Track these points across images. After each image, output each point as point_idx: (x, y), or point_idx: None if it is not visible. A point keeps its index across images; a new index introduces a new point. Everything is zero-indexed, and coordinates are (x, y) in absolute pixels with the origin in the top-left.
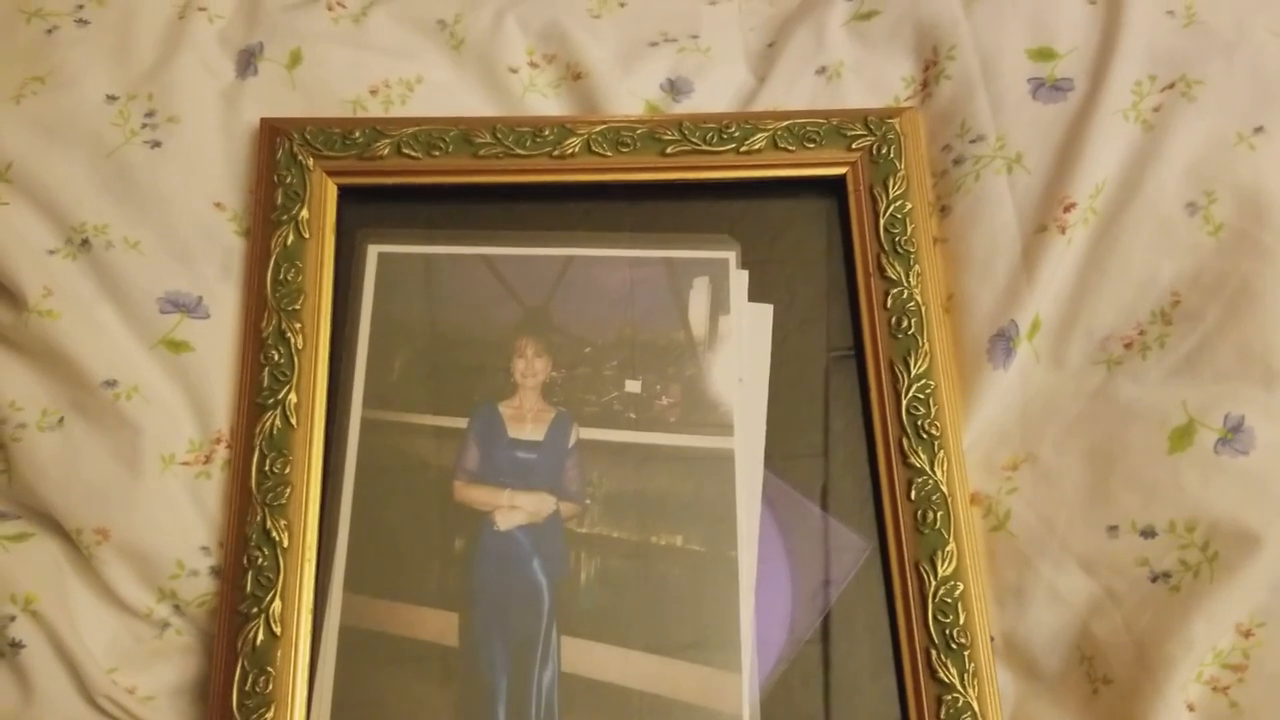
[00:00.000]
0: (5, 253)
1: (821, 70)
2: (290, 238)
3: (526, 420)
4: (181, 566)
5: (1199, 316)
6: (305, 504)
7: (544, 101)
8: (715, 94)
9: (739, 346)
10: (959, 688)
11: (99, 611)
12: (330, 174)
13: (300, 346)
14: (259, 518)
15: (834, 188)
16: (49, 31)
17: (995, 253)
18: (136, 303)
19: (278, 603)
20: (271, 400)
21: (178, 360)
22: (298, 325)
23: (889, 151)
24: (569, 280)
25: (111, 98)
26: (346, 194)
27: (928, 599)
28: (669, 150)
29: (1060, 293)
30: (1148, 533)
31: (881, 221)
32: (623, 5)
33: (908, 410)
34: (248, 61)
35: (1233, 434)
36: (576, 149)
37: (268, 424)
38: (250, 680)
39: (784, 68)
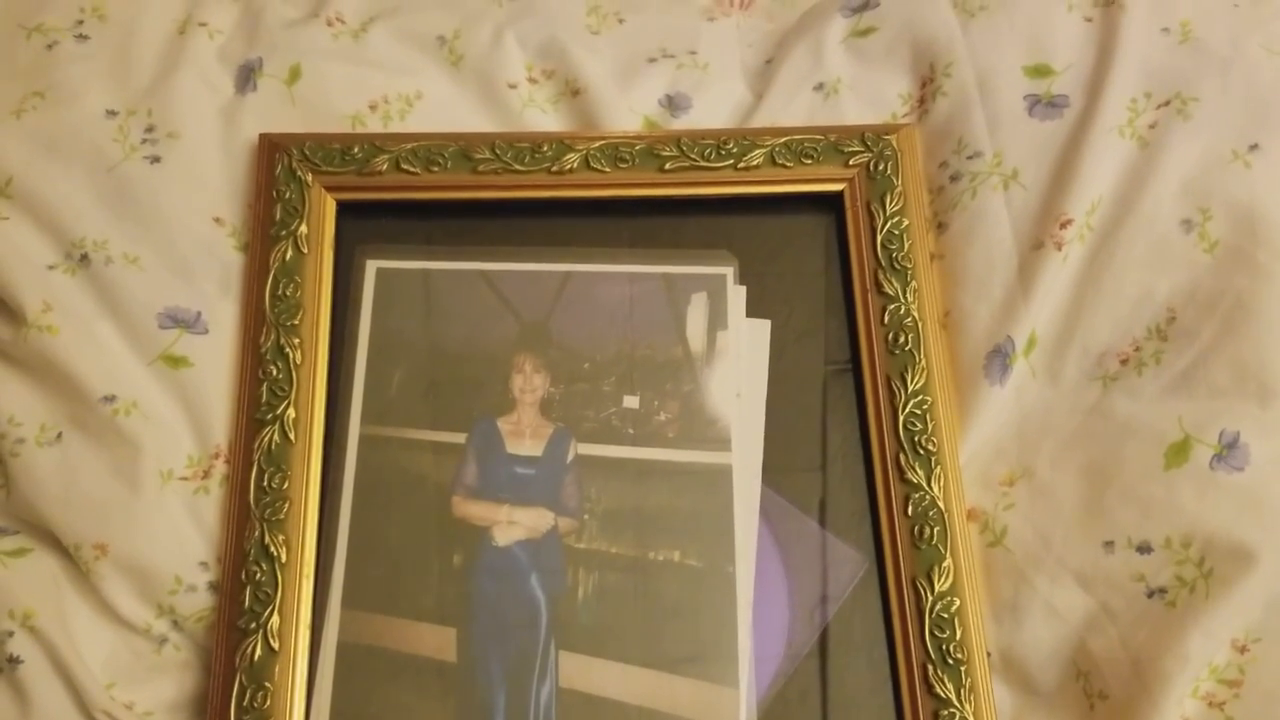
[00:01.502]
0: (5, 267)
1: (819, 87)
2: (289, 253)
3: (525, 436)
4: (180, 582)
5: (1194, 333)
6: (304, 519)
7: (543, 117)
8: (713, 110)
9: (737, 362)
10: (955, 703)
11: (97, 627)
12: (329, 189)
13: (299, 362)
14: (257, 533)
15: (831, 204)
16: (49, 47)
17: (992, 269)
18: (135, 318)
19: (276, 618)
20: (270, 416)
21: (176, 375)
22: (296, 340)
23: (886, 168)
24: (567, 296)
25: (111, 113)
26: (345, 209)
27: (924, 614)
28: (667, 166)
29: (1056, 309)
30: (1144, 549)
31: (879, 238)
32: (621, 21)
33: (905, 426)
34: (247, 77)
35: (1228, 450)
36: (575, 165)
37: (266, 439)
38: (248, 696)
39: (782, 84)
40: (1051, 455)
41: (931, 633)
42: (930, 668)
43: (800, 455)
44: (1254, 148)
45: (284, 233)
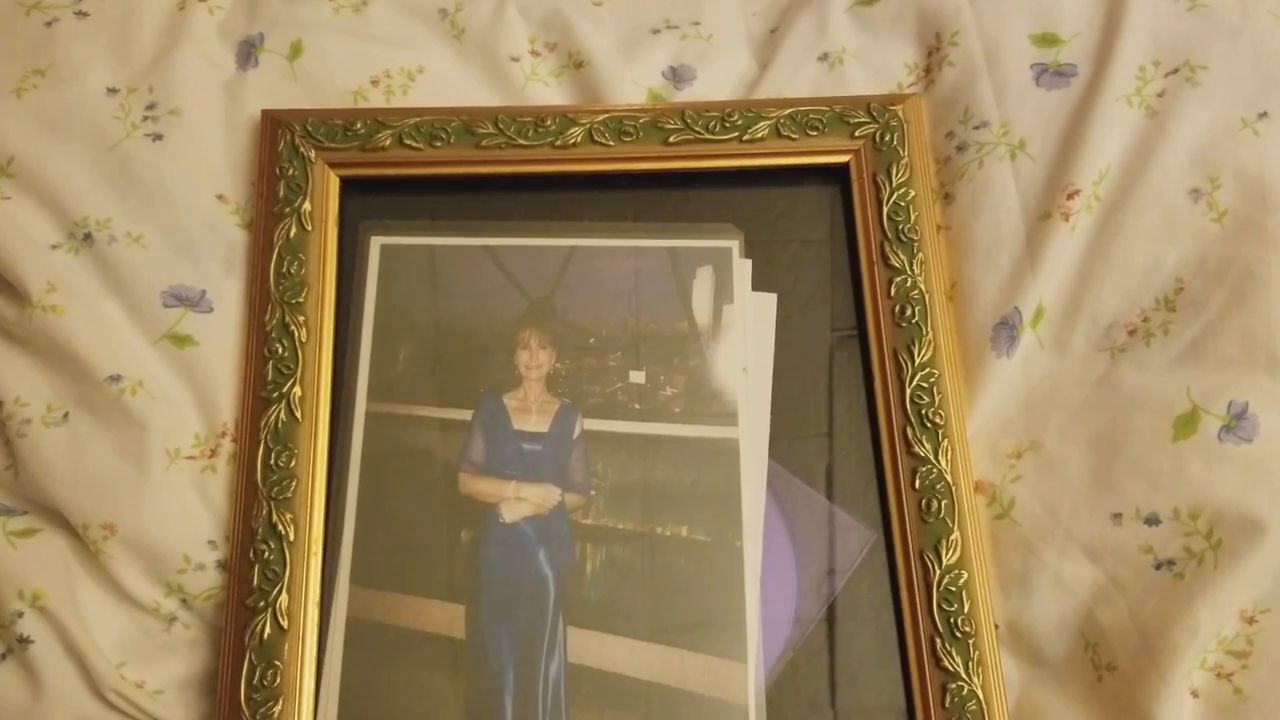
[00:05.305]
0: (8, 248)
1: (824, 57)
2: (293, 230)
3: (531, 412)
4: (188, 561)
5: (1203, 303)
6: (311, 497)
7: (546, 90)
8: (718, 81)
9: (743, 336)
10: (963, 676)
11: (107, 606)
12: (332, 166)
13: (304, 340)
14: (265, 511)
15: (837, 175)
16: (49, 24)
17: (999, 240)
18: (140, 297)
19: (284, 596)
20: (276, 394)
21: (182, 354)
22: (301, 318)
23: (892, 139)
24: (572, 271)
25: (112, 91)
26: (349, 186)
27: (932, 587)
28: (671, 139)
29: (1064, 280)
30: (1152, 520)
31: (885, 209)
32: None
33: (911, 399)
34: (248, 53)
35: (1236, 421)
36: (579, 139)
37: (272, 418)
38: (258, 674)
39: (786, 54)
40: (1059, 427)
41: (940, 606)
42: (938, 641)
43: (806, 423)
44: (1263, 115)
45: (287, 210)
